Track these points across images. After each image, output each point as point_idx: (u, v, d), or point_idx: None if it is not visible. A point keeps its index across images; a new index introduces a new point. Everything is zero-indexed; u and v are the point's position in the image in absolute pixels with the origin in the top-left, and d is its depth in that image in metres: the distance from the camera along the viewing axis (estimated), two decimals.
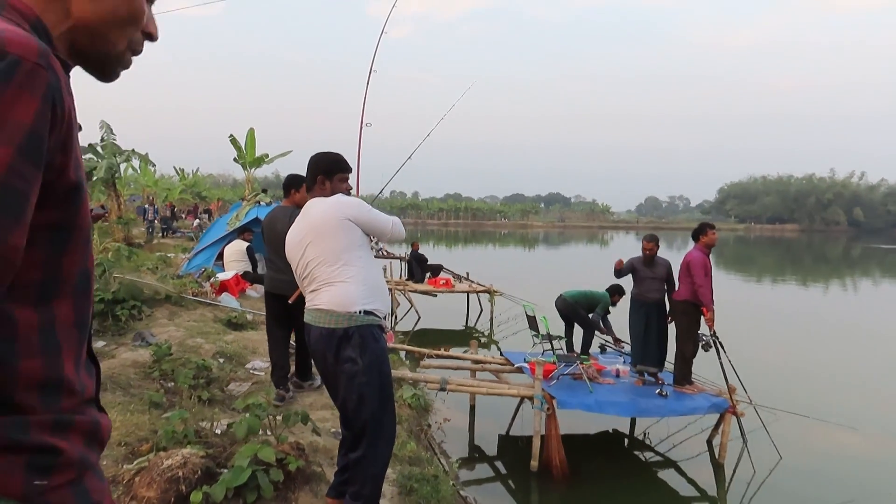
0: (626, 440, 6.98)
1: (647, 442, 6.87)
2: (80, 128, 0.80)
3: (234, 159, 26.88)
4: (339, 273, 2.69)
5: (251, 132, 26.39)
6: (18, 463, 0.71)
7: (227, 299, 7.62)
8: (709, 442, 6.55)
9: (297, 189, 4.81)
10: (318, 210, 2.75)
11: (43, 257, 0.74)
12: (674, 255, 6.58)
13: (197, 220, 29.62)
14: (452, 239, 51.96)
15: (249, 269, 9.16)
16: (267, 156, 27.11)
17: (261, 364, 5.35)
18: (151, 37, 0.91)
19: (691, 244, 6.39)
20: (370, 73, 5.57)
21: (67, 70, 0.81)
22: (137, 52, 0.89)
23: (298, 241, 2.79)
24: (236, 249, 9.29)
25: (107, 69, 0.87)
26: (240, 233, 9.81)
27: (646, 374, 6.51)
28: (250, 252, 9.33)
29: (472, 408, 7.15)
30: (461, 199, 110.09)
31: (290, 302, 4.19)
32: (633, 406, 5.93)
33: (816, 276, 27.65)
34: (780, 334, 12.79)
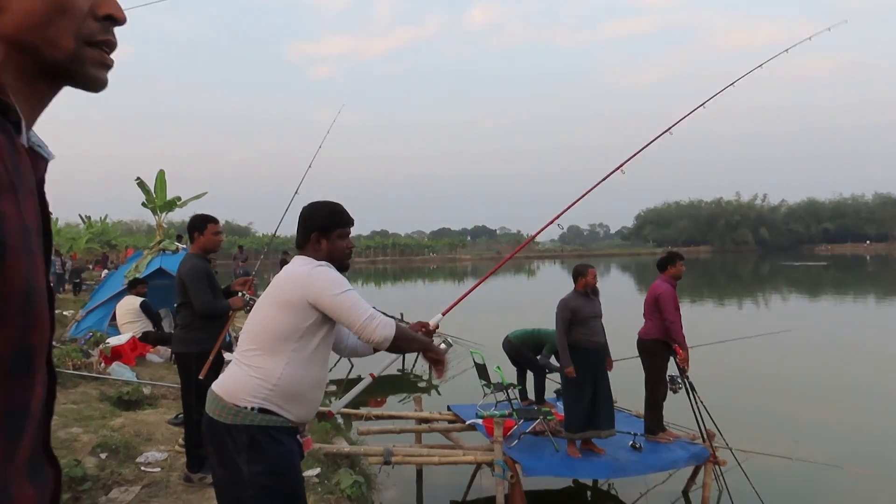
0: (590, 493, 6.29)
1: (613, 492, 6.20)
2: None
3: (143, 204, 25.11)
4: (252, 357, 2.15)
5: (161, 174, 24.75)
6: None
7: (119, 370, 6.34)
8: (685, 493, 5.92)
9: (200, 232, 4.20)
10: (287, 272, 2.29)
11: None
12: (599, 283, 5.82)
13: (106, 271, 27.33)
14: (381, 276, 50.92)
15: (149, 327, 7.88)
16: (179, 198, 25.50)
17: (157, 455, 4.24)
18: (114, 19, 0.78)
19: (614, 271, 5.82)
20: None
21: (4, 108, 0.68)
22: (99, 41, 0.76)
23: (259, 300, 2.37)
24: (128, 309, 7.97)
25: (77, 77, 0.76)
26: (131, 287, 8.45)
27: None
28: (146, 308, 8.03)
29: (419, 473, 6.27)
30: (388, 236, 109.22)
31: (200, 377, 3.73)
32: (609, 465, 5.21)
33: (743, 293, 28.46)
34: (728, 361, 12.45)
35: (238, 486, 2.08)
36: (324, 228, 2.32)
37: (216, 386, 2.22)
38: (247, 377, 2.13)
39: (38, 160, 0.75)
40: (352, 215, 2.44)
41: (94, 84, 0.78)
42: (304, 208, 2.40)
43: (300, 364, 2.15)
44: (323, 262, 2.27)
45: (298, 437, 2.23)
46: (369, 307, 2.21)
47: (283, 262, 12.04)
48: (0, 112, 0.68)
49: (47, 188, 0.79)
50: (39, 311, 0.70)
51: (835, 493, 5.93)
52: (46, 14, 0.72)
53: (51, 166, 0.81)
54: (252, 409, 2.09)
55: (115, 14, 0.78)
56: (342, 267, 2.36)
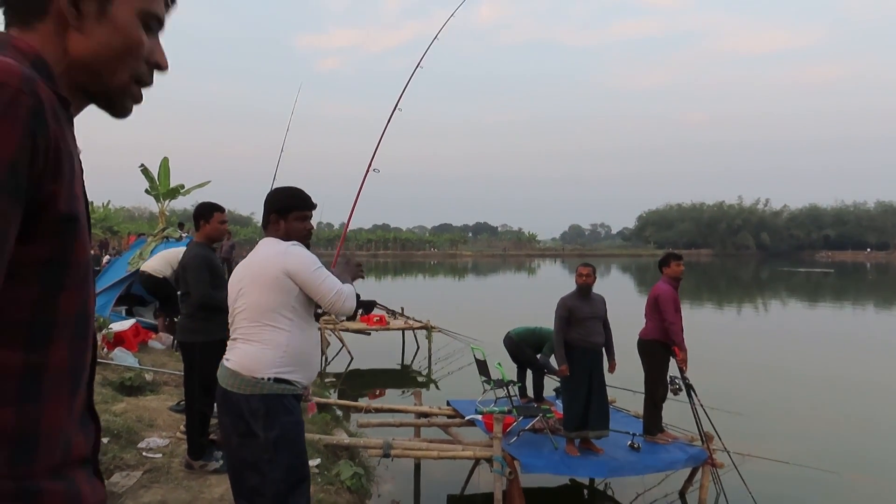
0: (586, 491, 6.31)
1: (609, 493, 6.22)
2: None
3: (146, 191, 25.16)
4: (258, 332, 2.37)
5: (165, 162, 24.80)
6: None
7: (122, 356, 6.35)
8: (682, 494, 5.93)
9: (206, 220, 4.15)
10: (261, 255, 2.49)
11: (32, 296, 0.69)
12: (598, 282, 5.83)
13: (107, 256, 27.27)
14: (382, 270, 50.94)
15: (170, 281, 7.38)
16: (183, 186, 25.54)
17: (159, 441, 4.26)
18: (159, 66, 0.88)
19: (614, 271, 5.81)
20: (394, 110, 4.21)
21: (66, 105, 0.76)
22: (145, 83, 0.87)
23: (235, 282, 2.53)
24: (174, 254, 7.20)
25: (115, 104, 0.86)
26: None
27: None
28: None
29: (418, 466, 6.30)
30: (389, 230, 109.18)
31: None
32: (607, 464, 5.23)
33: (746, 298, 28.45)
34: (729, 362, 12.43)
35: (255, 451, 2.28)
36: (281, 210, 2.51)
37: (229, 363, 2.39)
38: (259, 351, 2.34)
39: None
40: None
41: (124, 113, 0.87)
42: (268, 193, 2.60)
43: (300, 329, 2.40)
44: (294, 242, 2.47)
45: (303, 402, 2.44)
46: (338, 283, 2.44)
47: None
48: (63, 107, 0.74)
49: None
50: (92, 280, 0.79)
51: (831, 500, 5.95)
52: (121, 52, 0.82)
53: None
54: (268, 379, 2.31)
55: (163, 64, 0.88)
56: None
